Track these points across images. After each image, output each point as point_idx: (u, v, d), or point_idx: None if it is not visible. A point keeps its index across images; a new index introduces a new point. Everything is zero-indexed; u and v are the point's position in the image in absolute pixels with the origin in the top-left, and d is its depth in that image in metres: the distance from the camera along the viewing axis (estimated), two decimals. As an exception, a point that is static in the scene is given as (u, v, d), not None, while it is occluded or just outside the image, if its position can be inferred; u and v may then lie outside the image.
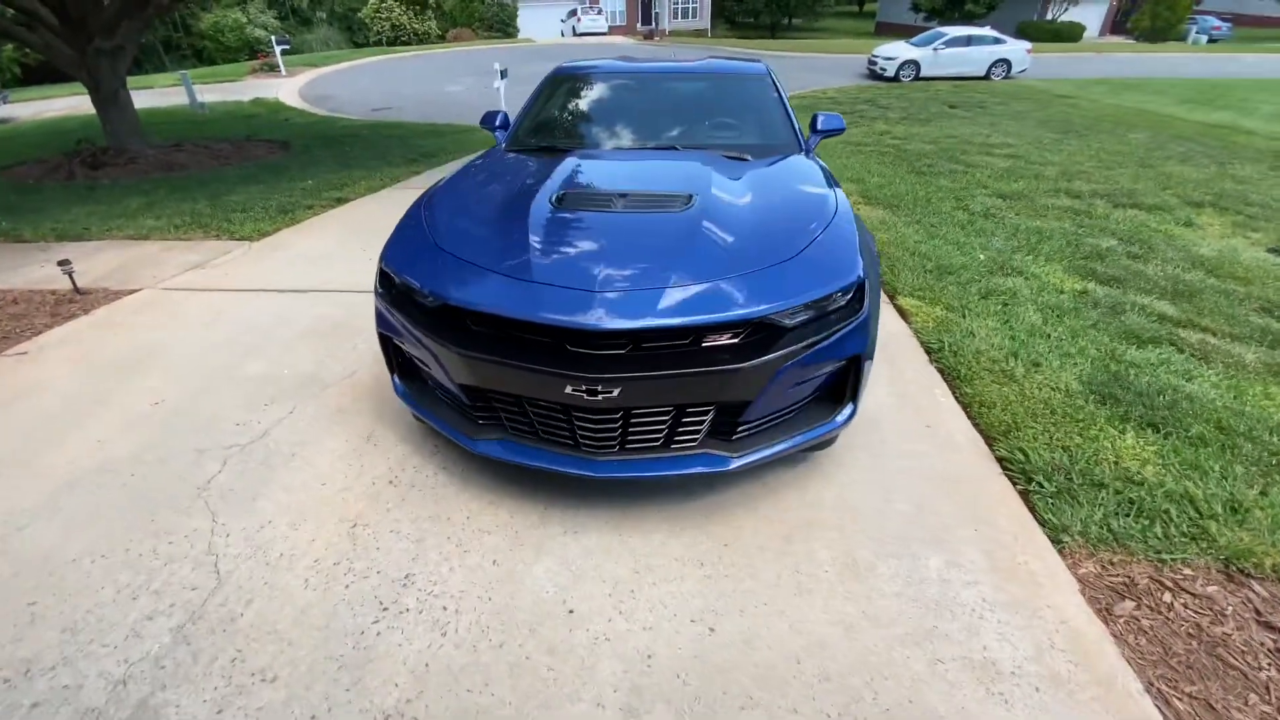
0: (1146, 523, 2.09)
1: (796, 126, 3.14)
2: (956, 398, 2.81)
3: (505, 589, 1.85)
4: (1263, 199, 6.03)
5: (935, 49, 17.03)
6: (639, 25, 37.03)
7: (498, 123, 3.39)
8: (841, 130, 3.20)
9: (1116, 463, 2.36)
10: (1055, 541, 2.03)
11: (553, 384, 1.79)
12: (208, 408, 2.74)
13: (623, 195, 2.29)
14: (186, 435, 2.55)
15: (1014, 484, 2.28)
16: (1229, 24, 29.35)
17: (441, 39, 31.08)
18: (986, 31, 17.81)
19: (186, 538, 2.03)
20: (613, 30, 34.38)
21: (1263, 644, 1.73)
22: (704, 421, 1.91)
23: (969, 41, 17.25)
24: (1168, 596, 1.88)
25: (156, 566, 1.92)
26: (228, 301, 3.86)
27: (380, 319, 2.19)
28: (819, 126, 3.17)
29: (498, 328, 1.87)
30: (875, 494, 2.22)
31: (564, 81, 3.51)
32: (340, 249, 4.75)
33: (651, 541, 2.01)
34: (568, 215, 2.21)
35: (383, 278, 2.18)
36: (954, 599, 1.82)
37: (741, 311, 1.77)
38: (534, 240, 2.02)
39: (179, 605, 1.79)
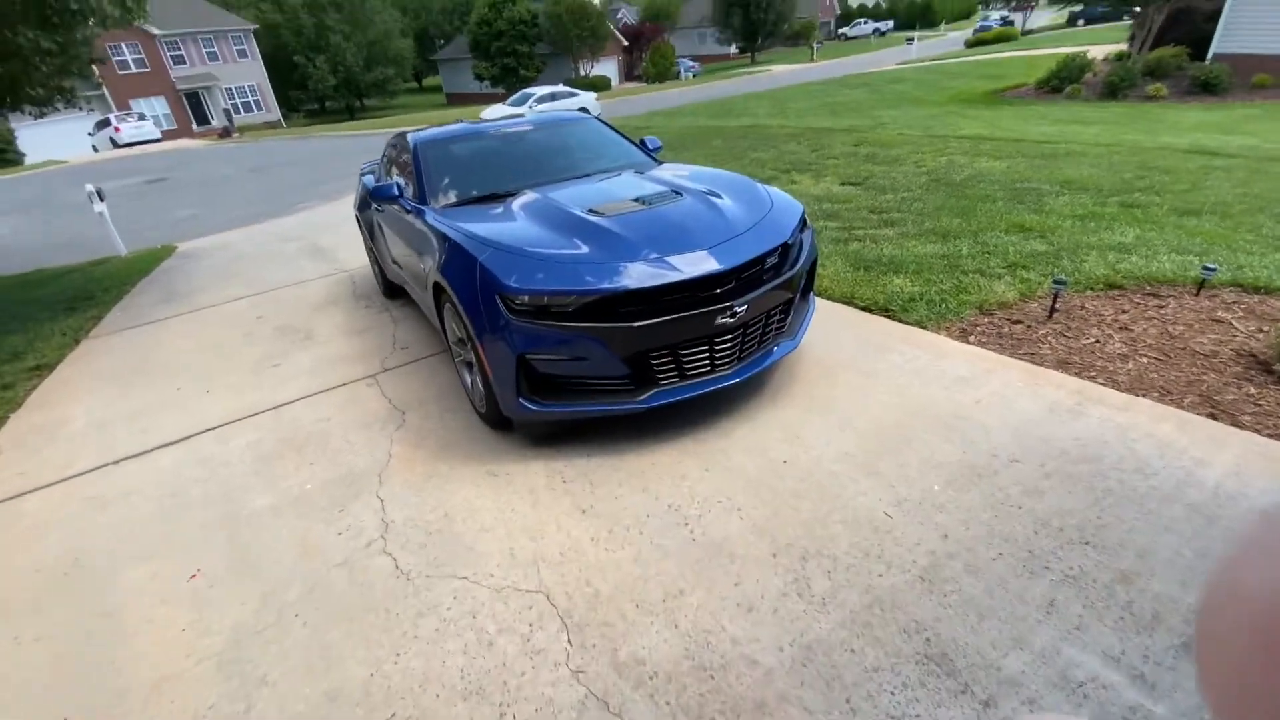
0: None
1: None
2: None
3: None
4: (824, 162, 9.45)
5: (532, 106, 20.00)
6: (195, 126, 32.48)
7: (395, 191, 3.55)
8: (660, 149, 4.32)
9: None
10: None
11: (703, 321, 2.44)
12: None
13: (637, 200, 2.95)
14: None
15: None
16: (699, 64, 41.67)
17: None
18: (562, 88, 21.71)
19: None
20: (167, 135, 29.36)
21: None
22: (776, 321, 2.81)
23: (553, 97, 20.76)
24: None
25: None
26: (88, 490, 2.97)
27: (518, 339, 2.41)
28: (649, 147, 4.22)
29: (648, 300, 2.40)
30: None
31: (436, 147, 3.82)
32: (135, 403, 3.89)
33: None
34: (613, 218, 2.75)
35: (518, 305, 2.41)
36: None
37: (777, 242, 2.71)
38: (626, 236, 2.59)
39: None
